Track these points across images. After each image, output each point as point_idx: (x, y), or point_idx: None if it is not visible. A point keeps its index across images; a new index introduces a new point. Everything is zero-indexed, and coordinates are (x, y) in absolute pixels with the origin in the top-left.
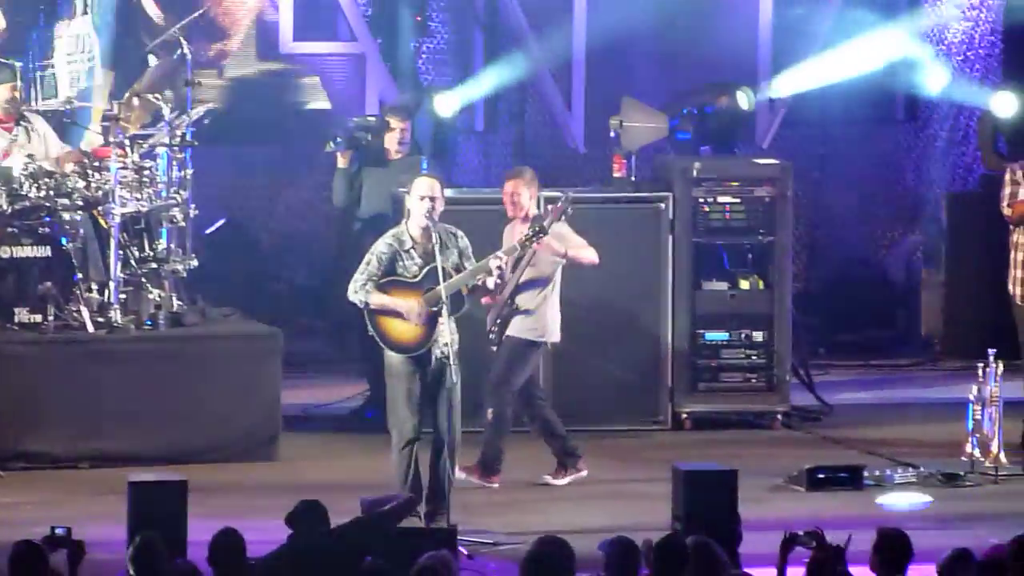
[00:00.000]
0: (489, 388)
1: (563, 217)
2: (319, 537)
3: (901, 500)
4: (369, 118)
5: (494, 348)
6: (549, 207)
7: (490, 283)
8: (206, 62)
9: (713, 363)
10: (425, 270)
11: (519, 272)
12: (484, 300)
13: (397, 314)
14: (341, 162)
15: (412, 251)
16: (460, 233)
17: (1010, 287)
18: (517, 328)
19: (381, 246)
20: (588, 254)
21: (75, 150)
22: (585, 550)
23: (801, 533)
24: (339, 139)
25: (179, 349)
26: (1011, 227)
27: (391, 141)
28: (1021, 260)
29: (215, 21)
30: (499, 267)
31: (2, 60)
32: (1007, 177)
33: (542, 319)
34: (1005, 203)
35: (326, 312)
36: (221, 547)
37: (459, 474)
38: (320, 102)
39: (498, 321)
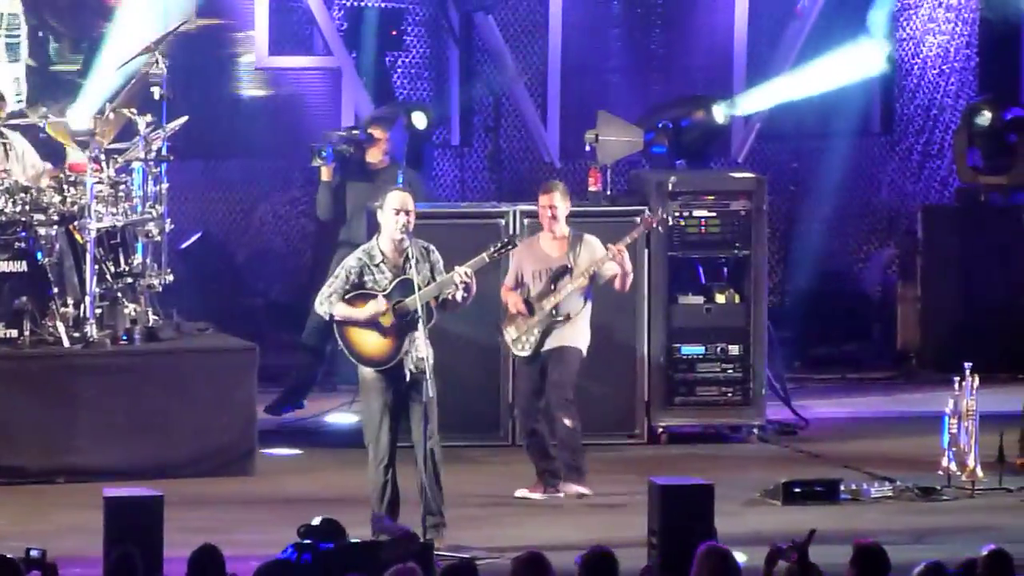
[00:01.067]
0: (559, 401)
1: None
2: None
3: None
4: (353, 131)
5: (524, 354)
6: (640, 219)
7: (458, 296)
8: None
9: (689, 377)
10: (395, 282)
11: (568, 283)
12: (517, 309)
13: (364, 324)
14: (325, 176)
15: (382, 265)
16: (432, 248)
17: None
18: (569, 338)
19: (351, 260)
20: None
21: (55, 168)
22: (561, 564)
23: (785, 547)
24: (324, 153)
25: (155, 364)
26: None
27: (375, 152)
28: None
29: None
30: (464, 280)
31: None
32: None
33: (586, 329)
34: None
35: (302, 326)
36: (200, 564)
37: (569, 489)
38: (295, 116)
39: (536, 331)
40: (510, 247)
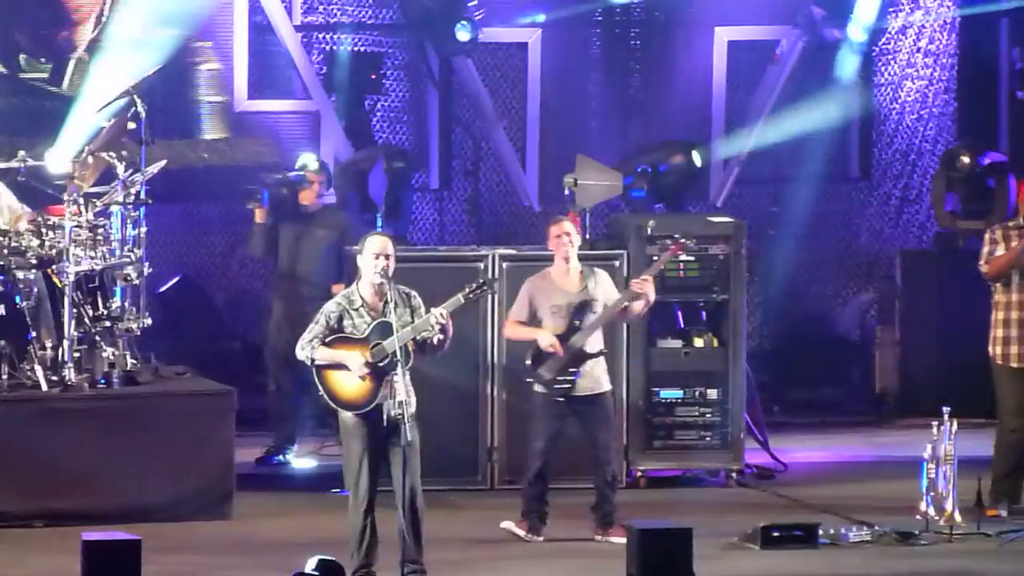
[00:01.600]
0: (610, 454)
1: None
2: None
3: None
4: (289, 174)
5: (560, 399)
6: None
7: (435, 338)
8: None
9: (668, 421)
10: (373, 325)
11: (599, 321)
12: (554, 348)
13: (343, 367)
14: (259, 216)
15: (361, 309)
16: (414, 293)
17: (990, 348)
18: (603, 381)
19: (330, 306)
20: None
21: (33, 212)
22: None
23: None
24: (258, 195)
25: (133, 407)
26: (991, 287)
27: (308, 194)
28: (1001, 320)
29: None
30: (440, 321)
31: None
32: (986, 236)
33: (606, 368)
34: (983, 261)
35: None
36: None
37: (612, 539)
38: (274, 159)
39: (570, 370)
40: (486, 288)
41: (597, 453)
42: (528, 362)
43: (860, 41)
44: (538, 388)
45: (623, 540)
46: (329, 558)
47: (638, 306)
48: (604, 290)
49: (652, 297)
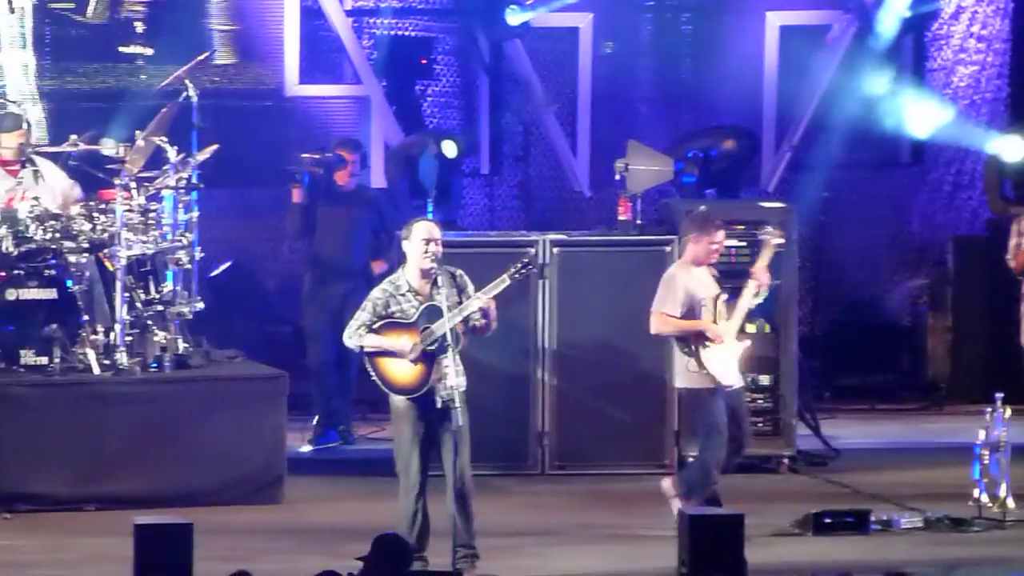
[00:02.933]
0: (749, 436)
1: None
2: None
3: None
4: (327, 154)
5: (738, 384)
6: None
7: (478, 321)
8: None
9: None
10: (422, 309)
11: (737, 309)
12: (721, 338)
13: (393, 354)
14: (296, 196)
15: (408, 295)
16: (460, 272)
17: (1021, 339)
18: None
19: (376, 292)
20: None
21: (86, 195)
22: None
23: None
24: (297, 176)
25: (184, 391)
26: (1020, 279)
27: (342, 174)
28: None
29: None
30: (483, 304)
31: (11, 106)
32: (1013, 228)
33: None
34: (1010, 254)
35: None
36: None
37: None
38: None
39: (735, 360)
40: (530, 267)
41: (741, 441)
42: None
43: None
44: (704, 382)
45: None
46: (391, 534)
47: (759, 294)
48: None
49: (767, 281)
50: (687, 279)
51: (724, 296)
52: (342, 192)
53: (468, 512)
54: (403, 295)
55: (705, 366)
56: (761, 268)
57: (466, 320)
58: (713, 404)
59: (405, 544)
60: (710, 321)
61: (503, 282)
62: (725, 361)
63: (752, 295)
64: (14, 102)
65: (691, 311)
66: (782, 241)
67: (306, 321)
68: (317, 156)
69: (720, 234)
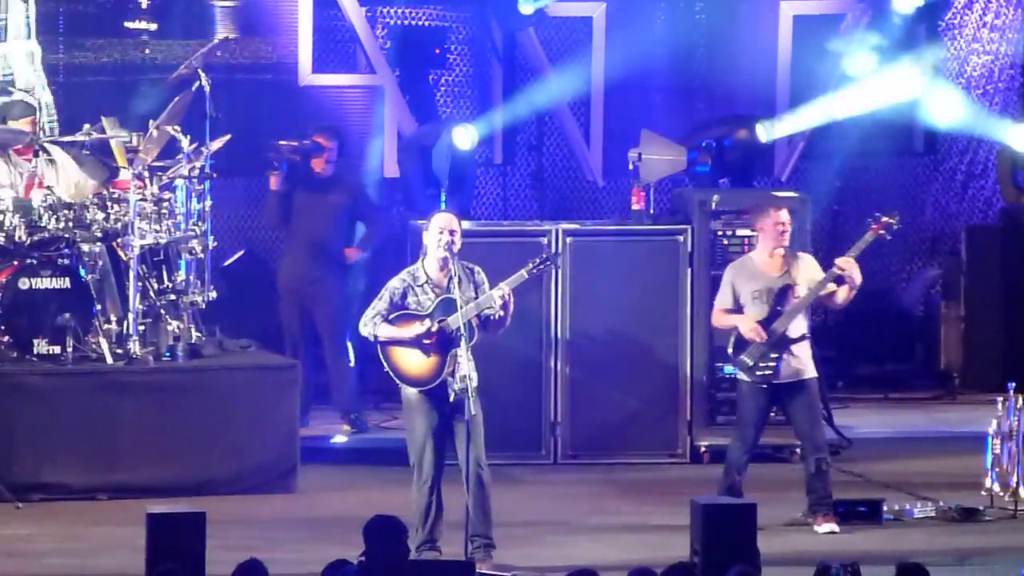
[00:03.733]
0: (821, 440)
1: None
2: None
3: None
4: (305, 141)
5: (763, 383)
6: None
7: (496, 314)
8: None
9: (731, 396)
10: (437, 301)
11: (795, 302)
12: (757, 335)
13: (407, 345)
14: (274, 184)
15: (425, 286)
16: (478, 269)
17: None
18: (807, 367)
19: (394, 282)
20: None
21: (99, 185)
22: None
23: (835, 565)
24: (276, 163)
25: (197, 381)
26: None
27: (319, 161)
28: None
29: None
30: (503, 297)
31: (23, 93)
32: None
33: (810, 354)
34: None
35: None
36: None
37: (815, 526)
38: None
39: (772, 356)
40: (549, 263)
41: (804, 443)
42: (730, 349)
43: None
44: (742, 375)
45: (826, 529)
46: (381, 517)
47: (844, 291)
48: (806, 273)
49: (858, 279)
50: (738, 271)
51: (805, 286)
52: (319, 179)
53: (485, 503)
54: (420, 286)
55: (745, 360)
56: (847, 261)
57: (479, 315)
58: (743, 401)
59: (398, 522)
60: (751, 317)
61: (521, 277)
62: (762, 356)
63: (823, 287)
64: (24, 90)
65: (738, 304)
66: (886, 234)
67: (281, 310)
68: (295, 143)
69: (777, 213)
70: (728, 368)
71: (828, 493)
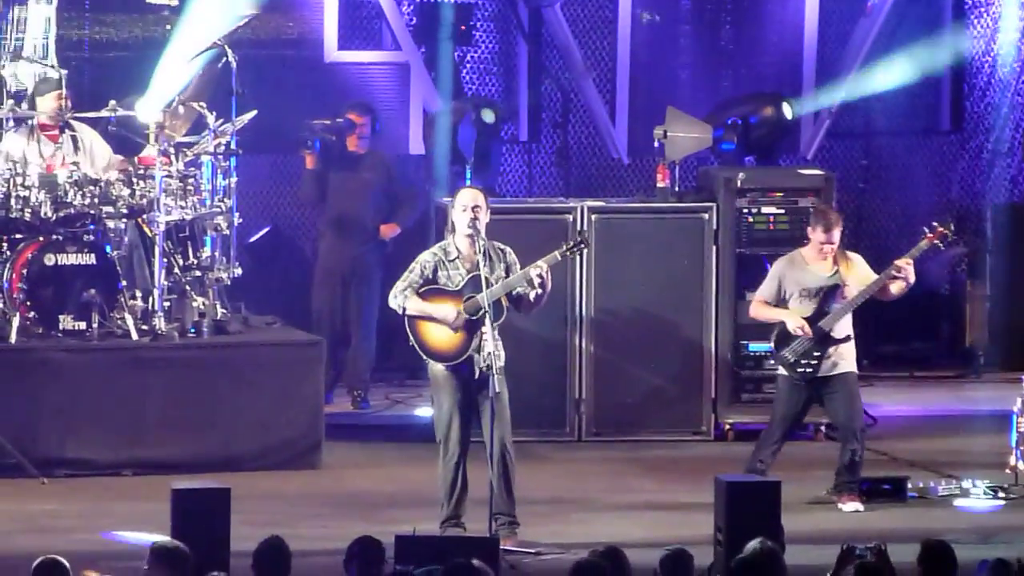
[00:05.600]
0: (855, 431)
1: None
2: None
3: (976, 503)
4: (338, 119)
5: (802, 378)
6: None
7: (531, 294)
8: None
9: (756, 374)
10: (467, 278)
11: (849, 306)
12: (804, 331)
13: (435, 320)
14: (309, 163)
15: (457, 262)
16: (508, 250)
17: None
18: (849, 362)
19: (426, 255)
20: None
21: (124, 160)
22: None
23: (860, 547)
24: (310, 143)
25: (222, 357)
26: None
27: (353, 139)
28: None
29: None
30: (540, 276)
31: (49, 68)
32: None
33: (854, 353)
34: None
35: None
36: (266, 555)
37: (840, 504)
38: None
39: (816, 353)
40: (583, 246)
41: (841, 433)
42: (772, 344)
43: None
44: (781, 370)
45: (850, 508)
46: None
47: (898, 286)
48: (857, 274)
49: (912, 279)
50: (787, 267)
51: (855, 287)
52: (353, 156)
53: (509, 481)
54: (452, 262)
55: (787, 356)
56: (905, 263)
57: (509, 294)
58: (779, 395)
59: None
60: (797, 312)
61: (555, 258)
62: (805, 353)
63: (874, 289)
64: (52, 65)
65: (781, 299)
66: (940, 243)
67: (319, 286)
68: (328, 122)
69: (830, 234)
70: (753, 346)
71: (856, 478)
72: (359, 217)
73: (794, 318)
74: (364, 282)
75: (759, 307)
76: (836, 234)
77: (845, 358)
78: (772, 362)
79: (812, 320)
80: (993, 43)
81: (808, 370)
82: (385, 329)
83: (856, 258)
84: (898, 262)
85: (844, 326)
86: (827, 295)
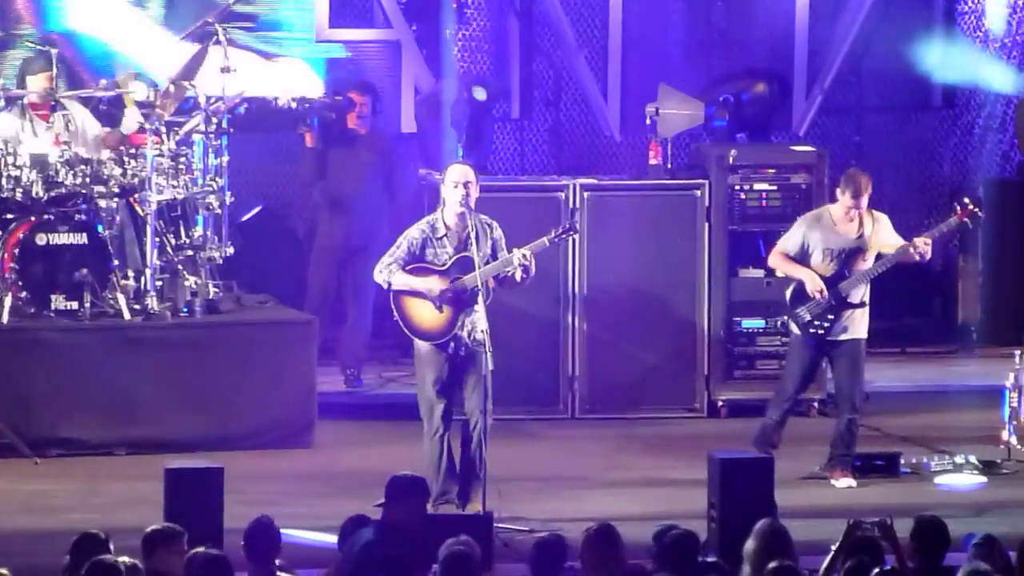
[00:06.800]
0: (854, 400)
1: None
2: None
3: (959, 481)
4: (337, 97)
5: (812, 344)
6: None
7: (517, 275)
8: None
9: (749, 350)
10: (455, 258)
11: (870, 274)
12: (820, 292)
13: (420, 296)
14: (309, 142)
15: (445, 239)
16: (495, 224)
17: None
18: (860, 327)
19: (413, 231)
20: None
21: (116, 131)
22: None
23: (867, 522)
24: (308, 121)
25: (215, 336)
26: None
27: (353, 117)
28: None
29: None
30: (523, 263)
31: (39, 48)
32: None
33: (866, 319)
34: None
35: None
36: (256, 535)
37: (832, 480)
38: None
39: (830, 316)
40: (572, 232)
41: (840, 400)
42: (788, 299)
43: None
44: (793, 327)
45: (843, 484)
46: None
47: (914, 257)
48: (881, 238)
49: (928, 256)
50: (813, 224)
51: (877, 250)
52: (353, 135)
53: (481, 457)
54: (439, 239)
55: (802, 315)
56: (925, 242)
57: (496, 275)
58: (791, 351)
59: (421, 482)
60: (818, 272)
61: (542, 244)
62: (820, 315)
63: (895, 260)
64: (41, 46)
65: (803, 256)
66: (969, 222)
67: (316, 266)
68: (327, 100)
69: (859, 200)
70: (746, 323)
71: (850, 452)
72: (358, 196)
73: (813, 279)
74: (361, 261)
75: (779, 259)
76: (865, 199)
77: (857, 324)
78: (785, 319)
79: (831, 282)
80: (983, 18)
81: (820, 332)
82: (378, 308)
83: (882, 220)
84: (918, 240)
85: (861, 291)
86: (849, 257)
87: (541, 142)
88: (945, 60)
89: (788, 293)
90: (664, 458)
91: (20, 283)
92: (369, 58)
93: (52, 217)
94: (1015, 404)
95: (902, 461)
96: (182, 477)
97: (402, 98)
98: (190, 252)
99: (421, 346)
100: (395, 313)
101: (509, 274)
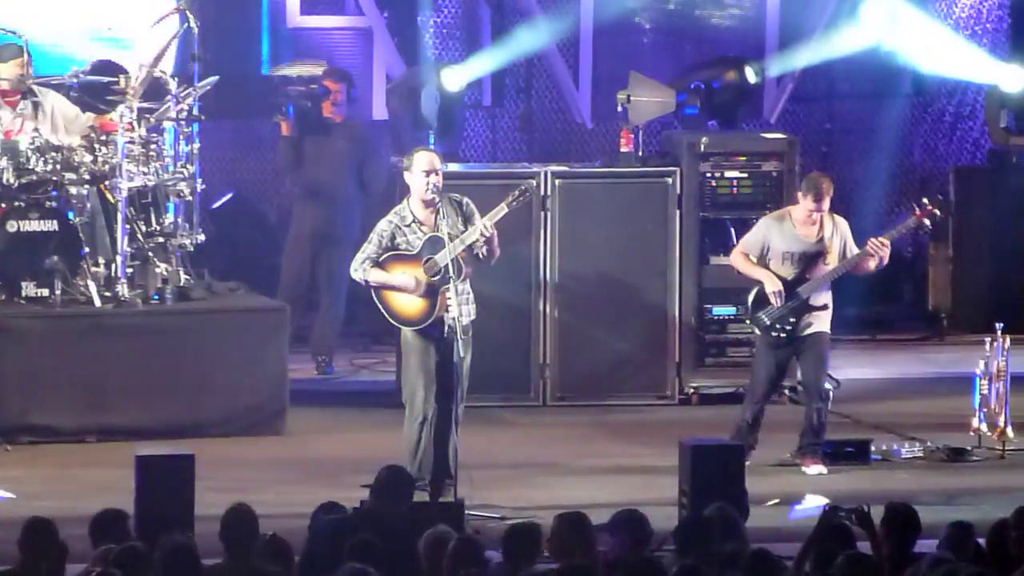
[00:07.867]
0: (821, 390)
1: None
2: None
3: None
4: (312, 85)
5: (774, 341)
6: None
7: (482, 250)
8: None
9: (720, 338)
10: (424, 239)
11: (829, 276)
12: (773, 297)
13: (399, 288)
14: (284, 130)
15: (413, 226)
16: (466, 200)
17: None
18: (824, 323)
19: (382, 224)
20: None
21: (93, 116)
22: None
23: (843, 509)
24: (283, 109)
25: (186, 323)
26: None
27: (328, 105)
28: None
29: None
30: (485, 233)
31: (10, 35)
32: None
33: (829, 319)
34: None
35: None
36: (233, 522)
37: (803, 468)
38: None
39: (791, 319)
40: (528, 194)
41: (808, 392)
42: (749, 303)
43: None
44: (765, 335)
45: (814, 471)
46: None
47: (874, 263)
48: (841, 240)
49: (887, 259)
50: (772, 227)
51: (837, 255)
52: (328, 123)
53: (453, 442)
54: (408, 226)
55: (763, 319)
56: (882, 244)
57: (470, 248)
58: (757, 354)
59: (408, 476)
60: (777, 276)
61: (501, 210)
62: (781, 318)
63: (852, 263)
64: (13, 32)
65: (762, 258)
66: (928, 222)
67: (291, 253)
68: (302, 88)
69: (820, 203)
70: (717, 310)
71: (819, 440)
72: (332, 184)
73: (773, 282)
74: (336, 249)
75: (740, 259)
76: (826, 203)
77: (821, 319)
78: (748, 323)
79: (791, 285)
80: (954, 6)
81: (783, 335)
82: (350, 295)
83: (842, 224)
84: (875, 241)
85: (823, 295)
86: (810, 261)
87: (512, 129)
88: (916, 47)
89: (750, 297)
90: (635, 445)
91: None
92: (341, 45)
93: (23, 204)
94: (985, 391)
95: (873, 448)
96: (153, 464)
97: (374, 85)
98: (161, 239)
99: (407, 333)
100: (378, 305)
101: (479, 251)
